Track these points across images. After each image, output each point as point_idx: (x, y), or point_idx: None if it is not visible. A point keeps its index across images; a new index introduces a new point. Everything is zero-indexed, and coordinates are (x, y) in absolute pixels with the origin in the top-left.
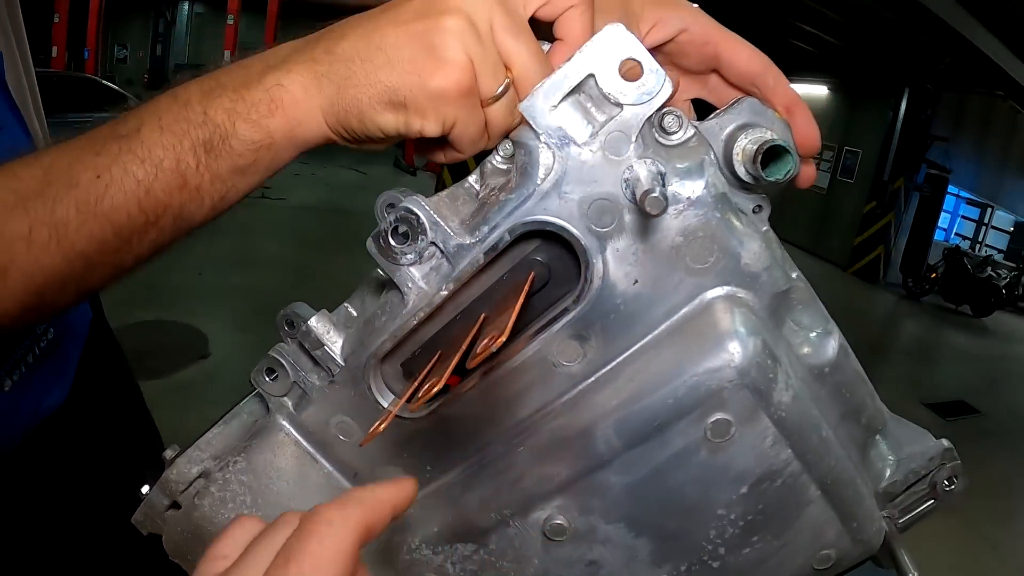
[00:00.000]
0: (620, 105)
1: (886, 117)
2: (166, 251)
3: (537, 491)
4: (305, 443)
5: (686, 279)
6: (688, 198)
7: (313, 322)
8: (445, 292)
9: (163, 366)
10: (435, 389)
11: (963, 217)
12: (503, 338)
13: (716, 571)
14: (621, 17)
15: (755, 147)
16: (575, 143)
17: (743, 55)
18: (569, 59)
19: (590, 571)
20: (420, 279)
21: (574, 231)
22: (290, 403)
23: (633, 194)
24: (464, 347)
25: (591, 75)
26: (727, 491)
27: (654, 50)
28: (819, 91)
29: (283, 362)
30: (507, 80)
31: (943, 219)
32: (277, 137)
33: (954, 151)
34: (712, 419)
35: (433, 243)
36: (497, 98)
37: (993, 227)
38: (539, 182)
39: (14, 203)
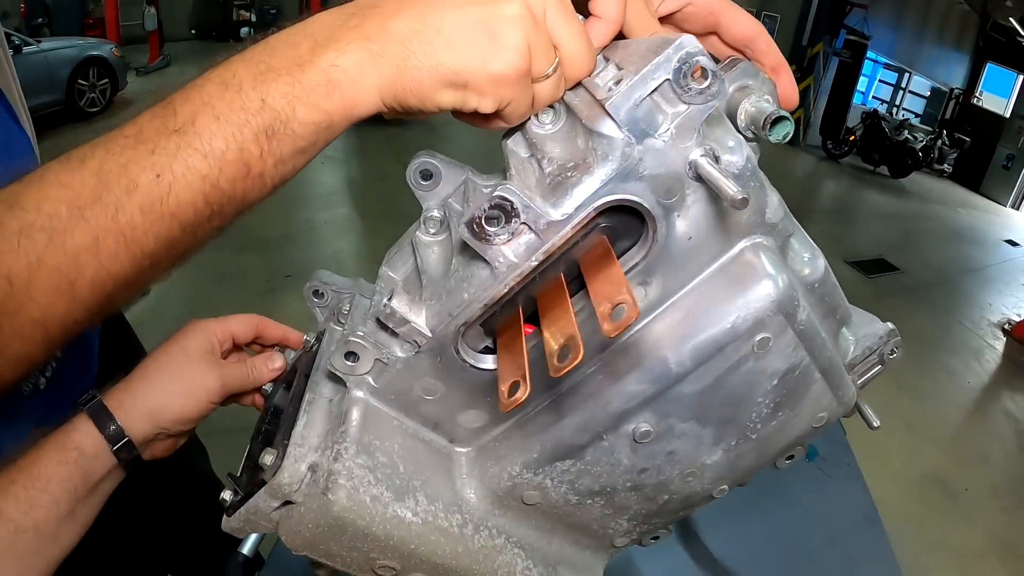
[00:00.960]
0: (688, 104)
1: None
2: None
3: (625, 408)
4: (389, 410)
5: (726, 232)
6: (733, 173)
7: (395, 303)
8: (535, 263)
9: None
10: (576, 361)
11: (881, 81)
12: (636, 312)
13: (755, 441)
14: None
15: (762, 114)
16: (650, 135)
17: (740, 22)
18: (651, 65)
19: (669, 459)
20: (511, 254)
21: (647, 205)
22: (370, 378)
23: (697, 174)
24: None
25: (667, 79)
26: (764, 384)
27: (664, 19)
28: None
29: (365, 345)
30: (556, 60)
31: (861, 83)
32: (336, 117)
33: (873, 18)
34: (758, 337)
35: (524, 223)
36: (547, 76)
37: (910, 92)
38: (620, 167)
39: (70, 214)
